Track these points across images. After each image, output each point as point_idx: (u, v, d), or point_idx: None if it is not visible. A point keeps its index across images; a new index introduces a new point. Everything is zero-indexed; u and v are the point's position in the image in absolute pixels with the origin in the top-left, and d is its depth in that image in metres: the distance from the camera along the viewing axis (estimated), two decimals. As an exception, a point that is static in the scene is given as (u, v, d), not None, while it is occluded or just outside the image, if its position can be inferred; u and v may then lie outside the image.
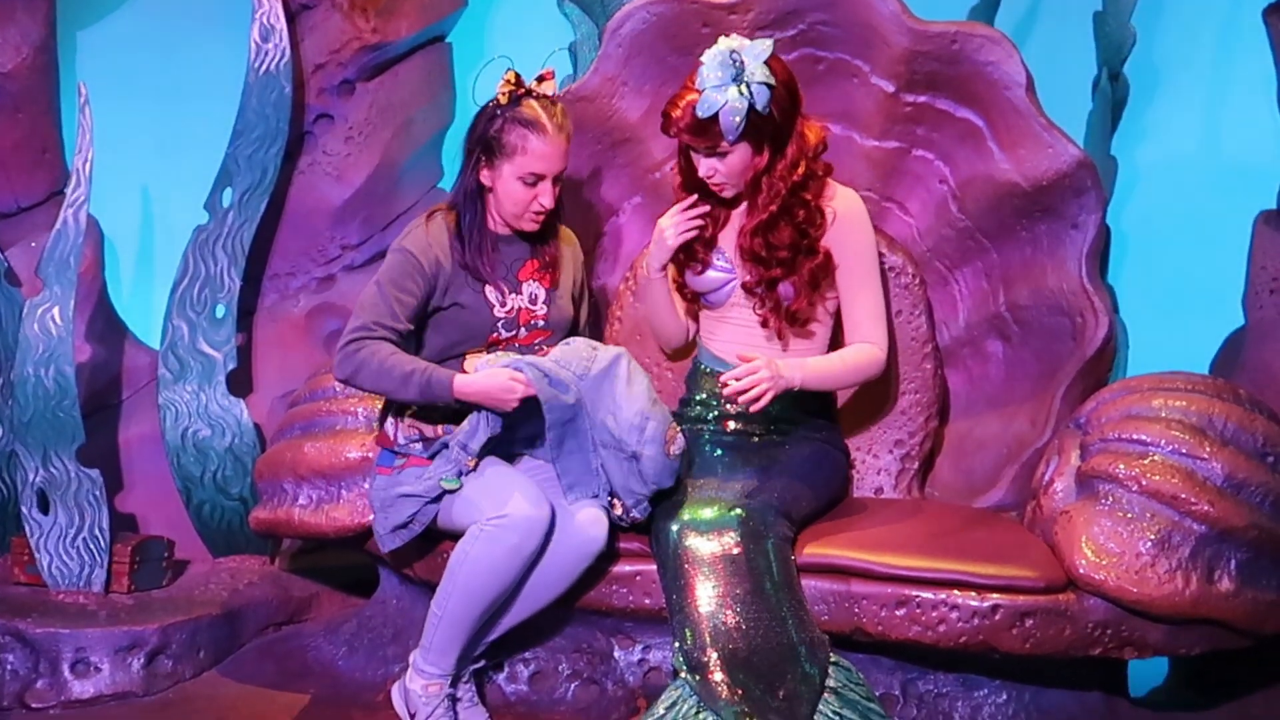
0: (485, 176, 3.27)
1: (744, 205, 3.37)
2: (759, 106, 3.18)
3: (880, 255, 3.64)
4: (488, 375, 3.16)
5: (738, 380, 3.18)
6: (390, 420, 3.27)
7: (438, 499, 3.18)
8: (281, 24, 4.03)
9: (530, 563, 3.10)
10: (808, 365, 3.28)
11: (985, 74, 3.46)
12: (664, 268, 3.41)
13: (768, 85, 3.19)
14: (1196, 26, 4.38)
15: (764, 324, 3.36)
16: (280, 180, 4.12)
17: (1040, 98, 3.48)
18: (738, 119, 3.17)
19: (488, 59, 4.45)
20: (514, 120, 3.20)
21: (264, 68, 4.03)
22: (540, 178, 3.23)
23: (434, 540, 3.30)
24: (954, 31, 3.46)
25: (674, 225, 3.34)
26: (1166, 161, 4.41)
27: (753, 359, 3.20)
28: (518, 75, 3.23)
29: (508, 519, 3.05)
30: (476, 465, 3.15)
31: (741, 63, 3.17)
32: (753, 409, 3.21)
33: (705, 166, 3.28)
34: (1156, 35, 4.36)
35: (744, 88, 3.17)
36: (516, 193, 3.24)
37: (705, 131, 3.21)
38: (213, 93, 4.21)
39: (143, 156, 4.33)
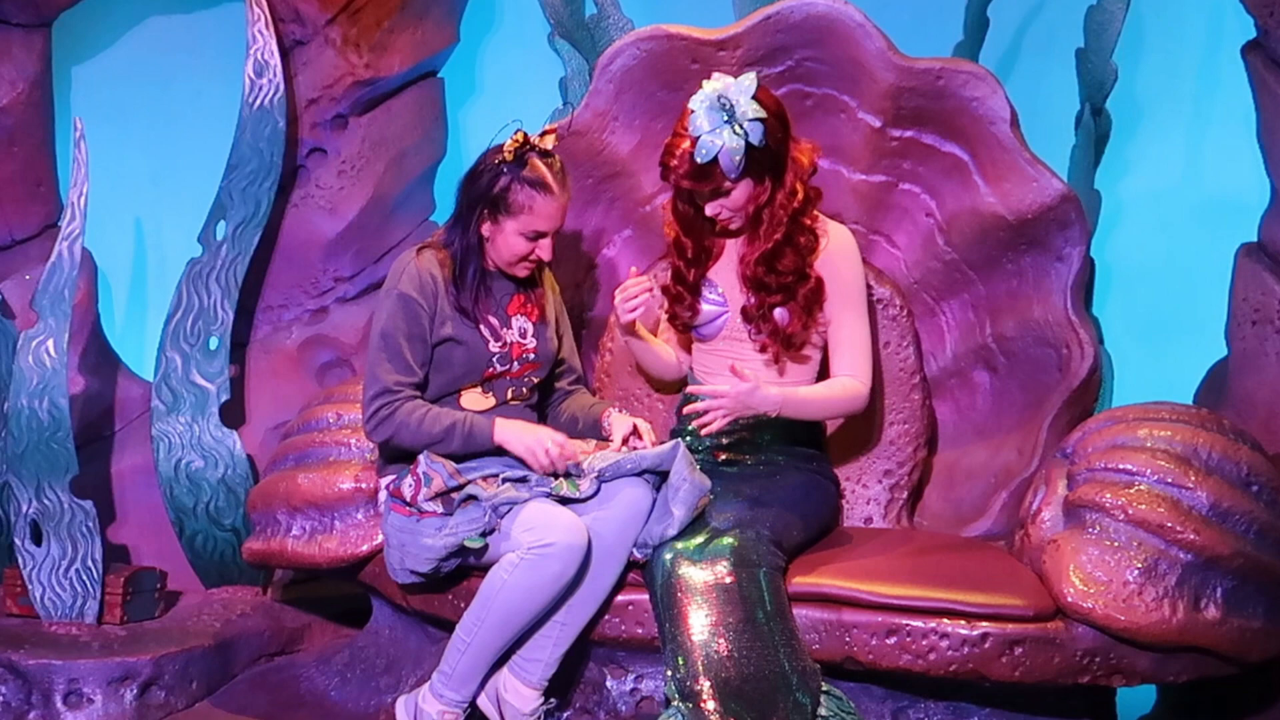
0: (486, 229, 3.31)
1: (739, 238, 3.41)
2: (755, 142, 3.23)
3: (868, 287, 3.68)
4: (525, 429, 3.21)
5: (704, 406, 3.24)
6: (408, 479, 3.21)
7: (458, 552, 3.18)
8: (275, 59, 4.06)
9: (566, 591, 3.11)
10: (789, 393, 3.32)
11: (970, 109, 3.51)
12: (630, 333, 3.44)
13: (760, 120, 3.23)
14: (1177, 63, 4.43)
15: (763, 349, 3.40)
16: (273, 213, 4.14)
17: (1024, 132, 3.52)
18: (738, 158, 3.22)
19: (478, 95, 4.58)
20: (522, 180, 3.24)
21: (258, 102, 4.06)
22: (542, 234, 3.29)
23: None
24: (939, 68, 3.51)
25: (621, 305, 3.31)
26: (1149, 195, 4.45)
27: (743, 374, 3.24)
28: (526, 135, 3.27)
29: (553, 548, 3.05)
30: (499, 528, 3.16)
31: (731, 103, 3.21)
32: (702, 433, 3.27)
33: (711, 207, 3.33)
34: (1138, 72, 4.42)
35: (738, 127, 3.21)
36: (516, 246, 3.29)
37: (707, 175, 3.25)
38: (207, 127, 4.24)
39: (137, 190, 4.35)
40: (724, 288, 3.43)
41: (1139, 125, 4.46)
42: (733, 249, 3.44)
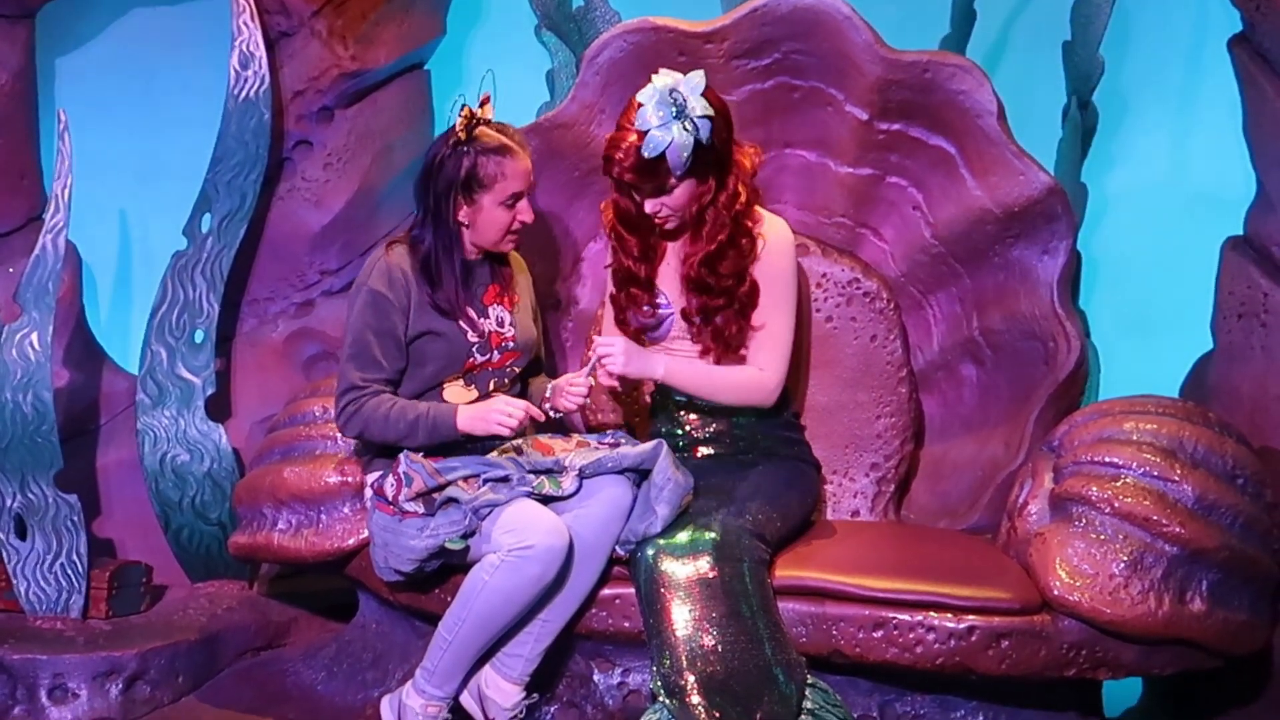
0: (464, 215, 3.29)
1: (681, 239, 3.39)
2: (703, 139, 3.20)
3: (855, 280, 3.68)
4: (479, 411, 3.21)
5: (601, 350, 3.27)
6: (389, 478, 3.21)
7: (439, 553, 3.17)
8: (261, 51, 4.04)
9: (548, 590, 3.11)
10: (673, 361, 3.35)
11: (957, 102, 3.51)
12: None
13: (708, 118, 3.20)
14: (1163, 56, 4.43)
15: (704, 353, 3.38)
16: (259, 206, 4.13)
17: (1011, 125, 3.52)
18: (685, 154, 3.19)
19: (464, 88, 4.56)
20: (483, 151, 3.24)
21: (243, 94, 4.05)
22: (519, 196, 3.28)
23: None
24: (926, 60, 3.51)
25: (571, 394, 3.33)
26: (1135, 188, 4.45)
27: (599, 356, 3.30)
28: (471, 109, 3.26)
29: (533, 550, 3.05)
30: (480, 530, 3.15)
31: (683, 99, 3.18)
32: (606, 365, 3.27)
33: (651, 205, 3.30)
34: (1124, 64, 4.42)
35: (687, 123, 3.18)
36: (498, 218, 3.28)
37: (652, 171, 3.22)
38: (192, 119, 4.22)
39: (121, 182, 4.33)
40: (667, 290, 3.41)
41: (1125, 118, 4.46)
42: (673, 251, 3.41)
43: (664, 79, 3.22)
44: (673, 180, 3.25)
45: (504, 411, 3.20)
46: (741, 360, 3.39)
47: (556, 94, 4.40)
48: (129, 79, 4.34)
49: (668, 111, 3.18)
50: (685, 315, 3.38)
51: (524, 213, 3.31)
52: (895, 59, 3.50)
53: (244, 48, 4.04)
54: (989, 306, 3.65)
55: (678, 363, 3.37)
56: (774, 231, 3.38)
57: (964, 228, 3.61)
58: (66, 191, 3.81)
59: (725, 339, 3.35)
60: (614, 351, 3.28)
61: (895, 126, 3.61)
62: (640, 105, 3.20)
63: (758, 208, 3.39)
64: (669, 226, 3.35)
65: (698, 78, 3.23)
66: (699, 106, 3.19)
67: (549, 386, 3.38)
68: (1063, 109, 4.32)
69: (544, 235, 3.77)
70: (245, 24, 4.03)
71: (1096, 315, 4.19)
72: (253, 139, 4.06)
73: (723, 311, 3.34)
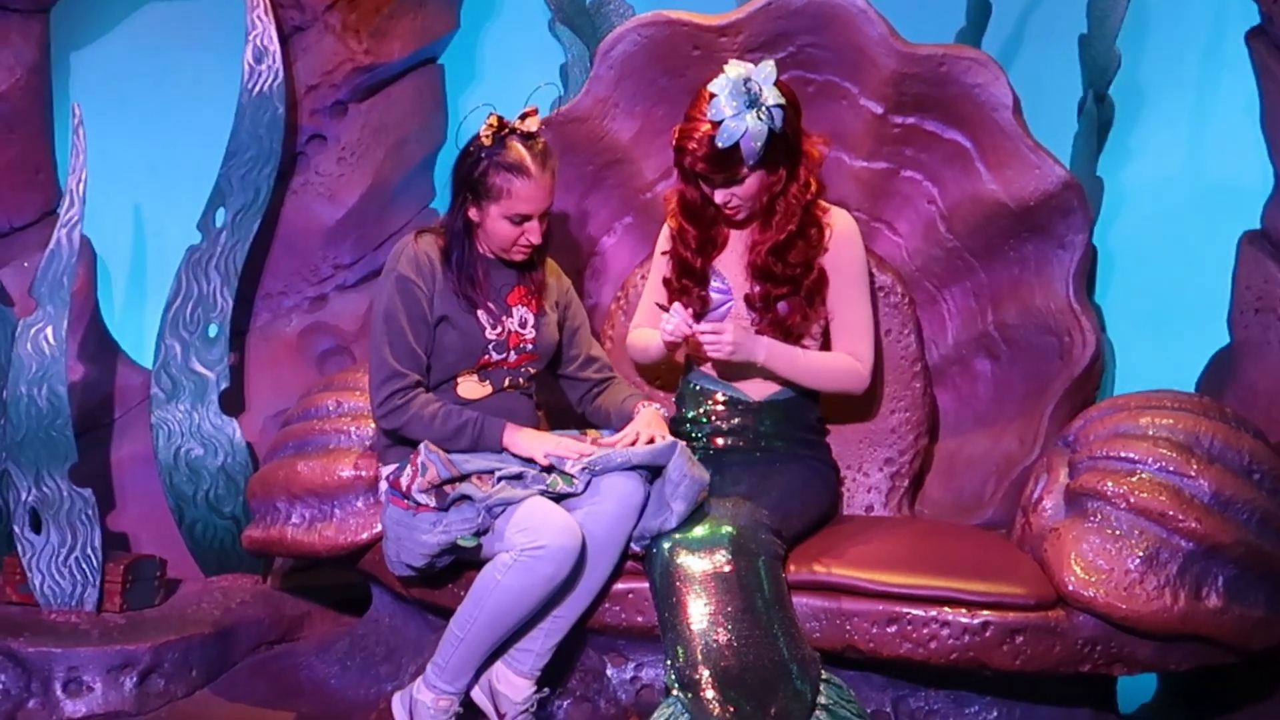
0: (473, 214, 3.29)
1: (749, 227, 3.39)
2: (776, 128, 3.20)
3: (870, 274, 3.67)
4: (534, 439, 3.21)
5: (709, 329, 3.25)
6: (406, 470, 3.20)
7: (451, 549, 3.17)
8: (275, 45, 4.05)
9: (560, 589, 3.11)
10: (775, 345, 3.33)
11: (973, 96, 3.50)
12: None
13: (781, 106, 3.21)
14: (1180, 49, 4.42)
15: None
16: (273, 200, 4.13)
17: (1027, 119, 3.51)
18: (759, 144, 3.19)
19: (478, 82, 4.56)
20: (498, 164, 3.22)
21: (257, 89, 4.05)
22: (527, 217, 3.26)
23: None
24: (942, 54, 3.49)
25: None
26: (1152, 182, 4.44)
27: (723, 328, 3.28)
28: (500, 118, 3.24)
29: (545, 550, 3.04)
30: (494, 528, 3.15)
31: (757, 88, 3.18)
32: (709, 352, 3.27)
33: (722, 195, 3.30)
34: (1141, 58, 4.40)
35: (761, 112, 3.18)
36: (504, 230, 3.27)
37: (725, 161, 3.22)
38: (206, 114, 4.23)
39: (136, 177, 4.34)
40: (729, 277, 3.42)
41: (1142, 112, 4.45)
42: (738, 239, 3.42)
43: (736, 69, 3.22)
44: (745, 170, 3.25)
45: (559, 444, 3.19)
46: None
47: (571, 88, 4.39)
48: (143, 73, 4.35)
49: (741, 101, 3.18)
50: (748, 301, 3.39)
51: (532, 233, 3.27)
52: (910, 53, 3.49)
53: (258, 42, 4.04)
54: (1004, 301, 3.63)
55: (778, 348, 3.35)
56: (841, 223, 3.40)
57: (979, 222, 3.60)
58: (81, 186, 3.81)
59: (787, 328, 3.36)
60: (722, 339, 3.26)
61: (910, 120, 3.60)
62: (713, 95, 3.20)
63: (822, 201, 3.40)
64: (739, 217, 3.36)
65: (769, 67, 3.23)
66: (772, 96, 3.20)
67: (643, 413, 3.30)
68: (1079, 103, 4.31)
69: (558, 231, 3.76)
70: (259, 18, 4.04)
71: (1112, 310, 4.17)
72: (266, 133, 4.06)
73: (788, 299, 3.34)
